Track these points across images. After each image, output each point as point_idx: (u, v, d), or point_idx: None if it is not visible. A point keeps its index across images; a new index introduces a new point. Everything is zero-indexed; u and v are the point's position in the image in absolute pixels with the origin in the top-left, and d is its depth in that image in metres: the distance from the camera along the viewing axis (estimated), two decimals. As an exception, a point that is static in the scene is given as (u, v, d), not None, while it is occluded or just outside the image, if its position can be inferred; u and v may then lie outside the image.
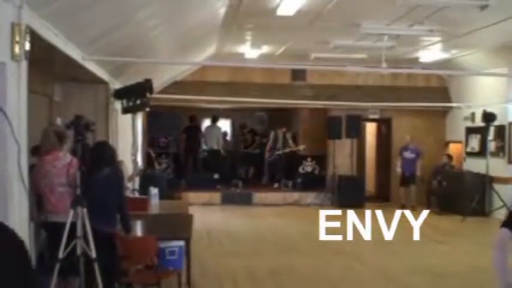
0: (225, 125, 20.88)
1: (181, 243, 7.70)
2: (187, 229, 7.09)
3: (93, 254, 5.05)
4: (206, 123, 21.26)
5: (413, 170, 16.17)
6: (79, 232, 4.99)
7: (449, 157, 16.30)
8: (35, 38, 5.29)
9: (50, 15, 5.58)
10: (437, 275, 8.87)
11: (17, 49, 4.81)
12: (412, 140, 16.30)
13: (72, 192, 5.39)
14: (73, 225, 5.01)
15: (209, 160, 18.56)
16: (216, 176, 17.92)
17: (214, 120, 18.54)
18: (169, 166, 17.30)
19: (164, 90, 16.03)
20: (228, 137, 20.36)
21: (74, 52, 7.07)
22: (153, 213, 8.47)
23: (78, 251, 4.99)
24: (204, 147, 19.30)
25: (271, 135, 18.10)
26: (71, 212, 4.95)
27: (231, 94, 16.10)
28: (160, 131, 16.27)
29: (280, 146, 17.90)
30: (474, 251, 10.46)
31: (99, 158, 5.86)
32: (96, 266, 5.05)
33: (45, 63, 7.78)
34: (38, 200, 5.82)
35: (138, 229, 7.14)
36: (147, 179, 15.28)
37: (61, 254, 4.89)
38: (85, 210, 5.03)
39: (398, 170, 16.33)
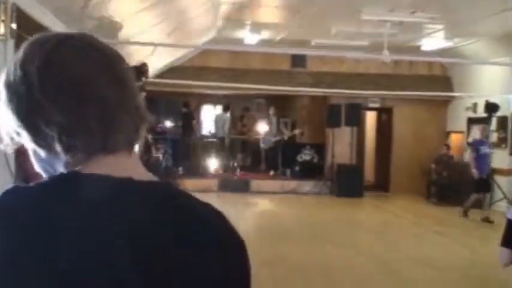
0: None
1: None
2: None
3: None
4: (205, 109, 21.09)
5: (490, 170, 13.15)
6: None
7: (448, 147, 16.15)
8: (23, 18, 5.09)
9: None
10: (436, 267, 8.69)
11: (2, 28, 4.62)
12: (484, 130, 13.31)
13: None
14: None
15: (212, 146, 18.38)
16: (214, 162, 17.80)
17: (226, 108, 18.31)
18: (166, 152, 17.08)
19: (162, 75, 15.82)
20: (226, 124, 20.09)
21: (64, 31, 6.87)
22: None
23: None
24: (207, 133, 19.23)
25: (265, 121, 17.89)
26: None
27: (230, 80, 15.87)
28: (157, 116, 16.03)
29: (274, 133, 17.69)
30: (475, 243, 10.30)
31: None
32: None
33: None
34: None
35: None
36: (143, 165, 15.15)
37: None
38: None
39: (475, 172, 12.64)
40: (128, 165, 1.13)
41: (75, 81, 1.08)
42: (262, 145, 17.92)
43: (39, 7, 5.68)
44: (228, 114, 18.22)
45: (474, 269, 8.63)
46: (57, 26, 6.36)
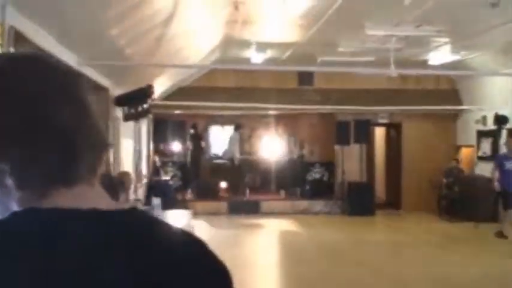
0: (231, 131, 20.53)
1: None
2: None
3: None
4: (213, 130, 20.97)
5: None
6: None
7: (457, 161, 16.06)
8: (22, 41, 5.03)
9: (38, 15, 5.32)
10: (453, 285, 8.52)
11: None
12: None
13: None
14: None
15: (221, 168, 18.27)
16: (223, 184, 17.67)
17: (237, 128, 18.20)
18: (175, 175, 16.99)
19: (169, 97, 15.79)
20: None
21: (67, 56, 6.80)
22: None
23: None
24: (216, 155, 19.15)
25: (279, 141, 17.79)
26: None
27: (237, 100, 15.80)
28: (165, 138, 15.96)
29: (285, 152, 17.58)
30: (491, 260, 10.09)
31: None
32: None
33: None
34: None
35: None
36: (152, 188, 15.06)
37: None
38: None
39: (497, 185, 12.48)
40: (91, 196, 1.01)
41: (27, 104, 0.96)
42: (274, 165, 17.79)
43: (41, 30, 5.62)
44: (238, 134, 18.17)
45: (491, 286, 8.45)
46: (58, 50, 6.30)
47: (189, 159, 17.64)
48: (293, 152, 17.60)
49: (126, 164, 11.02)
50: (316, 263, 10.13)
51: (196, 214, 15.59)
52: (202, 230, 13.50)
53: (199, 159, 17.61)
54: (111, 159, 9.80)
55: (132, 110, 9.81)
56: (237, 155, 17.67)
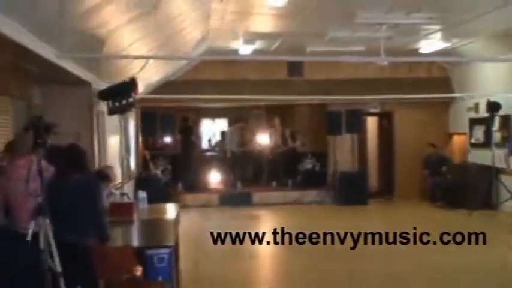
0: (222, 124, 20.36)
1: (170, 249, 7.27)
2: (170, 236, 6.58)
3: (58, 268, 4.55)
4: (204, 123, 20.81)
5: None
6: (42, 245, 4.49)
7: (433, 145, 16.04)
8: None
9: (11, 8, 5.11)
10: (446, 275, 8.38)
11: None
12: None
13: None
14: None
15: (212, 161, 18.13)
16: (214, 177, 17.56)
17: (232, 122, 18.10)
18: (166, 168, 16.80)
19: (157, 91, 15.56)
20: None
21: (45, 50, 6.59)
22: (140, 218, 7.95)
23: (43, 266, 4.50)
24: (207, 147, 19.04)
25: (273, 133, 17.57)
26: (32, 223, 4.47)
27: (227, 92, 15.59)
28: (155, 132, 15.75)
29: (280, 145, 17.40)
30: (484, 248, 9.92)
31: (68, 163, 5.37)
32: (62, 282, 4.55)
33: (18, 65, 7.34)
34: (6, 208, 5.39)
35: (120, 237, 6.65)
36: (142, 182, 14.88)
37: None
38: (47, 220, 4.54)
39: None
40: None
41: None
42: (269, 156, 17.64)
43: (15, 24, 5.40)
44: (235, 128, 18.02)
45: (482, 274, 8.32)
46: (36, 43, 6.08)
47: (179, 152, 17.45)
48: (284, 143, 17.40)
49: (112, 158, 10.82)
50: (303, 254, 9.98)
51: (187, 206, 15.50)
52: (191, 222, 13.37)
53: (190, 152, 17.39)
54: (96, 153, 9.61)
55: (117, 104, 9.60)
56: (234, 149, 17.50)
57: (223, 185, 17.39)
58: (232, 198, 16.27)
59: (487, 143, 14.50)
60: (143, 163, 16.33)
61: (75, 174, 5.34)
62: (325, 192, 16.50)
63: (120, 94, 9.41)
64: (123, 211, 7.60)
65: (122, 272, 5.35)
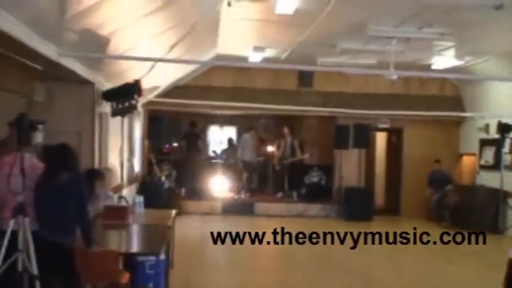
0: (230, 132, 20.19)
1: (162, 256, 7.11)
2: (162, 242, 6.41)
3: (35, 271, 4.41)
4: (211, 130, 20.64)
5: None
6: (21, 245, 4.35)
7: (438, 162, 15.79)
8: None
9: (11, 5, 4.98)
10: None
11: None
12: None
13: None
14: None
15: (218, 168, 17.99)
16: (218, 184, 17.42)
17: (248, 129, 17.72)
18: (170, 173, 16.65)
19: (166, 95, 15.46)
20: (234, 144, 19.52)
21: (46, 48, 6.46)
22: (135, 223, 7.80)
23: (20, 267, 4.35)
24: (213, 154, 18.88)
25: (282, 143, 17.38)
26: (11, 222, 4.33)
27: (235, 100, 15.45)
28: (160, 136, 15.59)
29: (288, 155, 17.21)
30: (487, 271, 9.67)
31: (57, 162, 5.24)
32: (37, 285, 4.40)
33: (19, 61, 7.22)
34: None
35: (111, 241, 6.51)
36: (144, 186, 14.74)
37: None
38: (27, 219, 4.40)
39: None
40: None
41: None
42: (276, 167, 17.43)
43: (16, 21, 5.27)
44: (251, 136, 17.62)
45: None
46: (32, 39, 5.95)
47: (185, 157, 17.30)
48: (293, 154, 17.20)
49: (114, 160, 10.69)
50: (301, 268, 9.81)
51: (189, 213, 15.34)
52: (190, 229, 13.23)
53: (194, 158, 17.23)
54: (97, 153, 9.48)
55: (120, 106, 9.47)
56: (252, 157, 17.27)
57: (227, 193, 17.22)
58: (235, 207, 16.10)
59: (496, 165, 14.25)
60: (148, 167, 16.20)
61: (63, 174, 5.20)
62: (330, 206, 16.30)
63: (123, 96, 9.29)
64: (117, 215, 7.48)
65: (104, 277, 5.19)
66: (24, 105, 8.23)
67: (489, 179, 14.58)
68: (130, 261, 6.73)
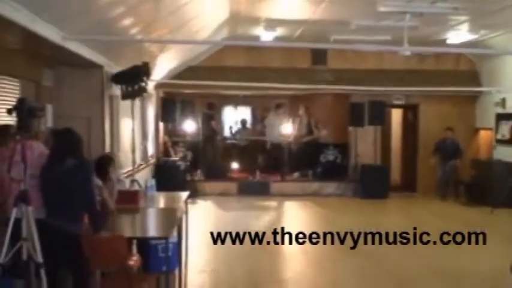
0: (244, 112, 20.05)
1: (174, 239, 7.09)
2: (172, 225, 6.37)
3: (40, 259, 4.37)
4: (226, 110, 20.51)
5: None
6: (24, 233, 4.31)
7: (451, 129, 15.48)
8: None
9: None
10: (459, 278, 8.04)
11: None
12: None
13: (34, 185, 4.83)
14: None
15: (233, 149, 17.93)
16: (234, 165, 17.37)
17: (277, 107, 17.25)
18: (185, 155, 16.60)
19: (178, 76, 15.40)
20: (248, 125, 19.42)
21: (49, 32, 6.39)
22: (147, 207, 7.75)
23: (24, 255, 4.32)
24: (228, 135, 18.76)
25: (298, 122, 17.26)
26: (14, 210, 4.29)
27: (249, 80, 15.33)
28: (174, 118, 15.53)
29: (305, 134, 17.10)
30: (504, 249, 9.47)
31: (62, 147, 5.19)
32: (42, 273, 4.37)
33: (26, 46, 7.18)
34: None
35: (123, 226, 6.47)
36: (159, 169, 14.74)
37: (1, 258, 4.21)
38: (30, 208, 4.36)
39: None
40: None
41: None
42: (293, 146, 17.30)
43: (10, 2, 5.20)
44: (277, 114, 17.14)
45: (496, 281, 7.88)
46: (35, 23, 5.88)
47: (200, 139, 17.27)
48: (310, 133, 17.09)
49: (126, 144, 10.66)
50: (310, 250, 9.74)
51: (205, 195, 15.35)
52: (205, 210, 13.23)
53: (212, 140, 17.18)
54: (108, 138, 9.45)
55: (130, 89, 9.42)
56: (279, 138, 16.82)
57: (242, 173, 17.15)
58: (250, 188, 16.05)
59: (513, 140, 14.08)
60: (164, 150, 16.19)
61: (69, 159, 5.16)
62: (346, 185, 16.20)
63: (132, 78, 9.23)
64: (128, 199, 7.43)
65: (113, 263, 5.15)
66: (33, 90, 8.19)
67: (506, 154, 14.40)
68: (143, 245, 6.72)
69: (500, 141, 15.00)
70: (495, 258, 8.91)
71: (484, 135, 16.22)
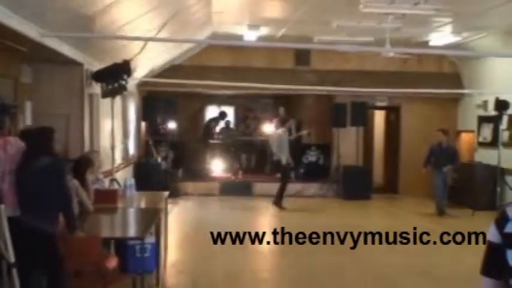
0: (228, 111, 19.98)
1: (151, 240, 7.02)
2: (149, 226, 6.30)
3: (12, 258, 4.29)
4: (209, 110, 20.42)
5: None
6: (-4, 233, 4.24)
7: (445, 133, 13.85)
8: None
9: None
10: (437, 278, 8.05)
11: None
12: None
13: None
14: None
15: (216, 149, 17.91)
16: (216, 165, 17.33)
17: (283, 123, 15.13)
18: (167, 155, 16.49)
19: (161, 75, 15.30)
20: (231, 125, 19.34)
21: (26, 27, 6.30)
22: (125, 206, 7.67)
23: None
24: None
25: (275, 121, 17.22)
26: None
27: (232, 79, 15.25)
28: (155, 117, 15.44)
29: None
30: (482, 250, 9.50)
31: (36, 146, 5.11)
32: (14, 272, 4.29)
33: (4, 43, 7.06)
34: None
35: (99, 226, 6.40)
36: (140, 168, 14.62)
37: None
38: (2, 206, 4.28)
39: None
40: None
41: None
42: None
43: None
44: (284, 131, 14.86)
45: (478, 280, 7.88)
46: (12, 20, 5.79)
47: (181, 139, 17.21)
48: (292, 134, 17.03)
49: (106, 142, 10.56)
50: (289, 248, 9.74)
51: (186, 195, 15.26)
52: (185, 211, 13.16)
53: (205, 141, 17.22)
54: (87, 136, 9.35)
55: (110, 87, 9.32)
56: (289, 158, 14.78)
57: (225, 173, 17.09)
58: (232, 188, 15.99)
59: (494, 142, 14.09)
60: (145, 149, 16.08)
61: (43, 158, 5.08)
62: (328, 186, 16.19)
63: (113, 76, 9.13)
64: (106, 198, 7.36)
65: (88, 263, 5.08)
66: (11, 87, 8.08)
67: (487, 156, 14.43)
68: (121, 245, 6.65)
69: (482, 144, 15.05)
70: (476, 258, 8.89)
71: (466, 138, 16.25)
